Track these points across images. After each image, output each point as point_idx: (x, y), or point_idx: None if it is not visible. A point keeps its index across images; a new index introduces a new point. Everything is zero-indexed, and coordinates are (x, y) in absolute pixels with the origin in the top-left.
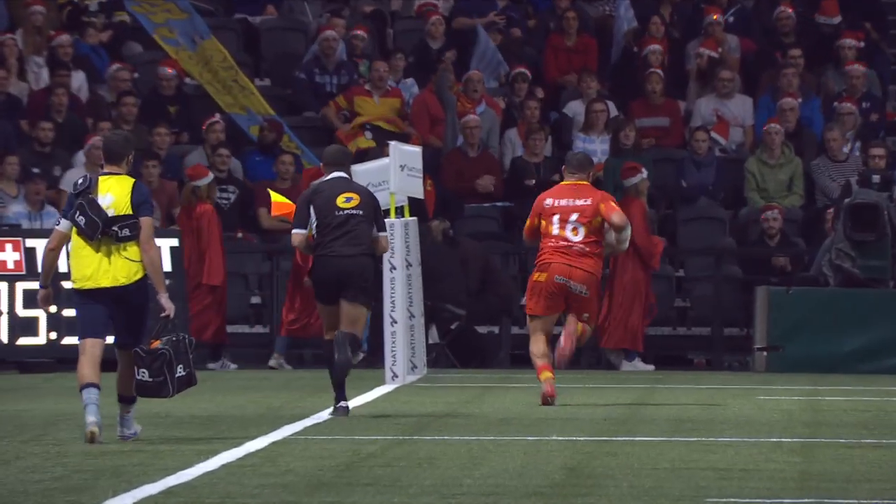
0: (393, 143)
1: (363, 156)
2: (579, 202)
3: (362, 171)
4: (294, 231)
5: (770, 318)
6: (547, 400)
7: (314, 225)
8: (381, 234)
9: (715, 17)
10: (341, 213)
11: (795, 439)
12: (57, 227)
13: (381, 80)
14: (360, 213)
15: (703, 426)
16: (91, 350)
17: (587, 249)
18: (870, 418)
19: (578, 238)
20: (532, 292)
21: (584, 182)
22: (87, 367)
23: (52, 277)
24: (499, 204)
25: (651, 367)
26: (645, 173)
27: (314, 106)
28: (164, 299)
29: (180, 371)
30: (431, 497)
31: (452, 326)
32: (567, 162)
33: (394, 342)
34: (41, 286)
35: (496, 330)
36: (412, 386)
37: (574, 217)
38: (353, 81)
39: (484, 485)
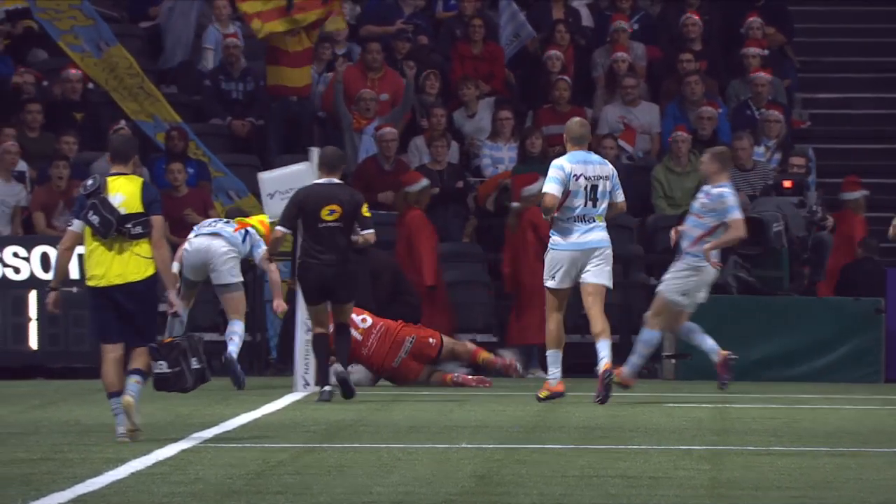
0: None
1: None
2: None
3: (269, 179)
4: (278, 227)
5: None
6: None
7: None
8: (365, 231)
9: (615, 23)
10: (324, 224)
11: (704, 447)
12: (70, 228)
13: None
14: (341, 224)
15: (613, 434)
16: (112, 356)
17: None
18: (778, 426)
19: None
20: None
21: None
22: (112, 374)
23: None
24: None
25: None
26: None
27: (220, 113)
28: (173, 296)
29: (195, 364)
30: None
31: None
32: None
33: (306, 349)
34: (50, 288)
35: None
36: None
37: None
38: (258, 87)
39: (394, 492)
